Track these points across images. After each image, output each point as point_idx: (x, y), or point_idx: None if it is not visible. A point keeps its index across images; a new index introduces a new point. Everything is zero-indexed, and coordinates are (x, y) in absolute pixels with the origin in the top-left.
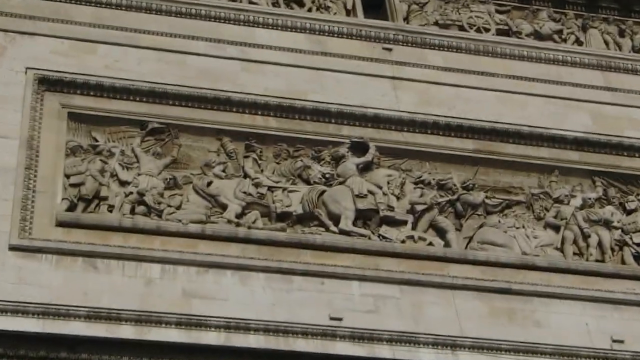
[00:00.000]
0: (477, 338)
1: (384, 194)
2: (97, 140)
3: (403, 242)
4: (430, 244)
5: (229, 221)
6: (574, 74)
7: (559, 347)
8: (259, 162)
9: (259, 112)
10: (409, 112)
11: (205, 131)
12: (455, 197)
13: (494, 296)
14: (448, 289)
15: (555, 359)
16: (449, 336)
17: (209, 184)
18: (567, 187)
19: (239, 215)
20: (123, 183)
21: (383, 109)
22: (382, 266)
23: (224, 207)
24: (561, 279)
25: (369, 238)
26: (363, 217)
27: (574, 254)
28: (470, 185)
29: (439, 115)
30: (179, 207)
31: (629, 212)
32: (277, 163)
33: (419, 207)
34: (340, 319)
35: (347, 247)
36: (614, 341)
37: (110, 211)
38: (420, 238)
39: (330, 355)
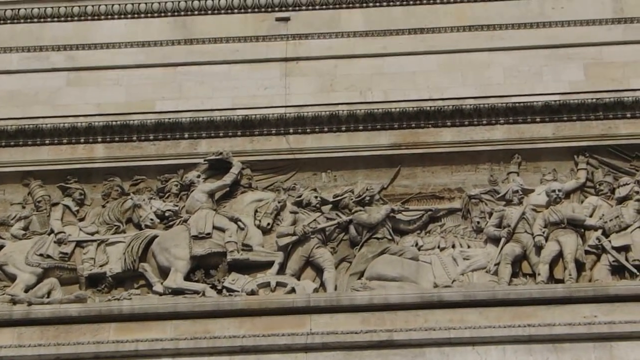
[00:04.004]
0: None
1: (240, 228)
2: None
3: (251, 293)
4: (293, 290)
5: (12, 298)
6: (567, 8)
7: None
8: (75, 209)
9: (81, 140)
10: (297, 106)
11: (6, 177)
12: (346, 218)
13: (367, 354)
14: (300, 351)
15: None
16: None
17: None
18: (526, 178)
19: (30, 288)
20: None
21: (258, 108)
22: (215, 331)
23: (13, 278)
24: (481, 315)
25: (203, 294)
26: (205, 265)
27: (525, 274)
28: (367, 199)
29: (341, 104)
30: None
31: (620, 201)
32: (104, 206)
33: (282, 241)
34: None
35: (166, 313)
36: None
37: None
38: (279, 284)
39: None
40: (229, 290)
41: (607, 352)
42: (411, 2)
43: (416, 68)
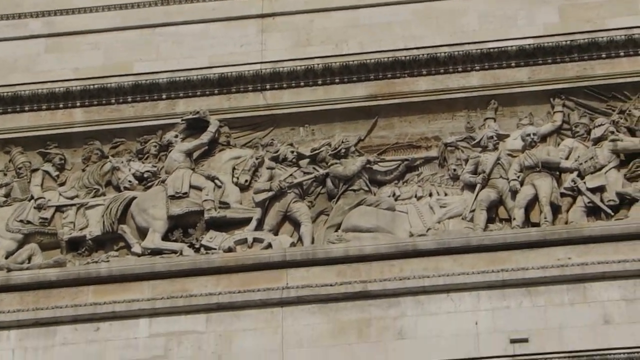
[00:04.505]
0: None
1: (218, 186)
2: None
3: (229, 250)
4: (269, 245)
5: None
6: None
7: None
8: (56, 174)
9: (60, 105)
10: (272, 61)
11: None
12: (322, 171)
13: (343, 306)
14: (276, 306)
15: None
16: None
17: None
18: (503, 124)
19: (11, 254)
20: None
21: (234, 65)
22: (193, 290)
23: None
24: (455, 263)
25: (180, 253)
26: (184, 224)
27: (502, 220)
28: (343, 151)
29: (316, 57)
30: None
31: (595, 142)
32: (84, 170)
33: (259, 197)
34: None
35: (144, 274)
36: (513, 341)
37: None
38: (256, 240)
39: None
40: (207, 248)
41: (580, 293)
42: None
43: (392, 18)
